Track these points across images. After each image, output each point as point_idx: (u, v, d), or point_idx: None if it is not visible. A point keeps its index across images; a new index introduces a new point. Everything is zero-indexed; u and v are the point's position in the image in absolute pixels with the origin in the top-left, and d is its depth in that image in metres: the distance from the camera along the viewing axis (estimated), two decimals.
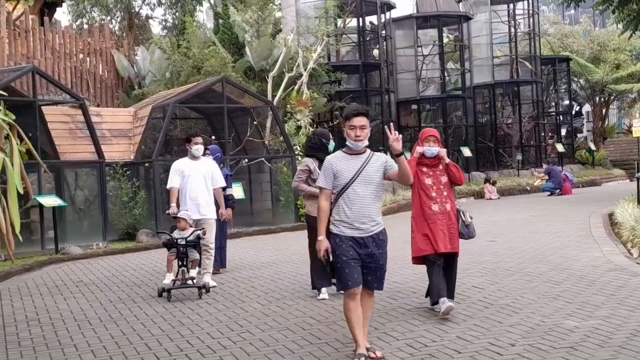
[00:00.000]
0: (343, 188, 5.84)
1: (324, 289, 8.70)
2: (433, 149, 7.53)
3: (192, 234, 9.18)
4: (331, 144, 8.79)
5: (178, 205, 9.80)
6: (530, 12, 32.54)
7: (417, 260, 7.68)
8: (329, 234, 5.89)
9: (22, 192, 3.94)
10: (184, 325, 7.63)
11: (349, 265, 5.76)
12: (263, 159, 18.40)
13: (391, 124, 6.13)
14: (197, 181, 9.84)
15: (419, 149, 7.58)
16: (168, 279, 9.16)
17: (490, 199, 24.85)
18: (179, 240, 9.11)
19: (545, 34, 40.07)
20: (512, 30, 32.22)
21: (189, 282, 9.05)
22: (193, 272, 9.18)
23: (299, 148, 19.52)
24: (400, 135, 5.90)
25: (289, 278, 10.32)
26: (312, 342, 6.72)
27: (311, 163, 8.73)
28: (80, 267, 12.63)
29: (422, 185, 7.52)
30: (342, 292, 6.52)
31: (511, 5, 32.21)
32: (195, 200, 9.80)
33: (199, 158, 10.02)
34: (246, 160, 18.14)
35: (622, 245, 11.81)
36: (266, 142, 18.72)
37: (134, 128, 17.24)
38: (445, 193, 7.51)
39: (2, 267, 12.02)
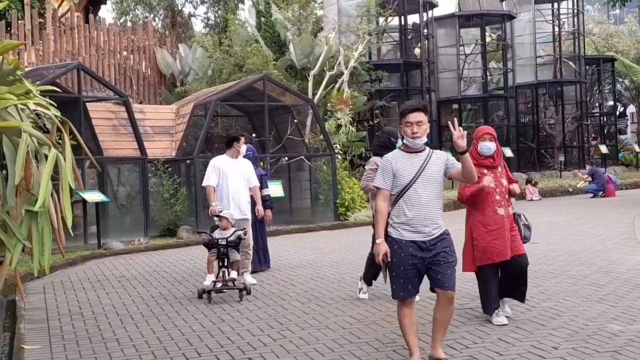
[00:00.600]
0: (404, 189, 5.53)
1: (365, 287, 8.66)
2: (489, 145, 7.06)
3: (233, 234, 8.97)
4: (399, 143, 8.48)
5: None
6: (575, 11, 32.13)
7: (474, 267, 7.16)
8: (387, 238, 5.59)
9: (74, 187, 3.99)
10: (224, 322, 7.66)
11: (405, 276, 5.50)
12: (303, 157, 18.42)
13: (455, 119, 5.97)
14: (238, 180, 9.72)
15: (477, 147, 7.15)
16: (208, 280, 8.92)
17: (532, 200, 24.57)
18: (219, 241, 8.90)
19: (589, 34, 39.51)
20: (556, 29, 31.84)
21: (230, 283, 8.85)
22: (234, 274, 8.97)
23: (338, 147, 19.52)
24: (465, 132, 5.66)
25: (328, 277, 10.32)
26: (352, 341, 6.71)
27: (380, 162, 8.56)
28: (122, 262, 12.77)
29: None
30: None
31: (555, 4, 31.85)
32: (236, 200, 9.66)
33: (237, 158, 9.94)
34: (286, 158, 18.17)
35: None
36: (306, 140, 18.74)
37: (175, 125, 17.38)
38: (506, 196, 7.12)
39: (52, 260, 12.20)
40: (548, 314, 7.38)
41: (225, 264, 8.92)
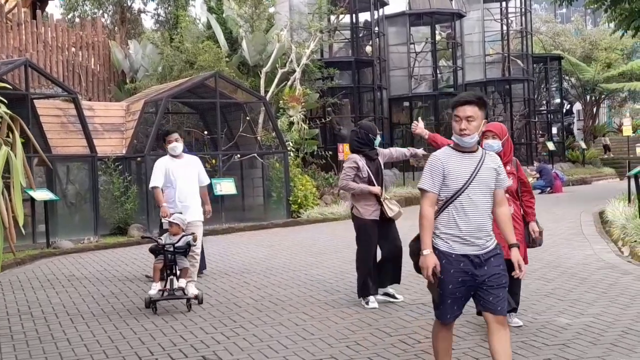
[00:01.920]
0: (455, 194, 4.73)
1: (372, 298, 7.91)
2: (492, 143, 6.49)
3: (180, 239, 8.21)
4: (377, 139, 8.13)
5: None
6: (523, 10, 32.63)
7: None
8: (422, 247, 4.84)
9: (25, 185, 3.94)
10: (177, 320, 7.63)
11: (453, 296, 4.74)
12: (255, 154, 18.39)
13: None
14: (185, 181, 8.93)
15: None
16: (155, 289, 8.10)
17: None
18: (166, 247, 8.15)
19: (537, 33, 40.17)
20: (505, 28, 32.30)
21: (178, 292, 8.14)
22: (182, 282, 8.21)
23: (291, 144, 19.53)
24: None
25: (281, 274, 10.33)
26: (306, 337, 6.73)
27: (359, 159, 8.00)
28: (71, 261, 12.60)
29: None
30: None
31: (504, 4, 32.29)
32: (184, 202, 8.87)
33: (182, 156, 9.11)
34: (238, 155, 18.12)
35: (613, 244, 11.88)
36: (258, 137, 18.71)
37: (126, 122, 17.20)
38: (507, 195, 6.30)
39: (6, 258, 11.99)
40: (529, 313, 7.44)
41: (174, 271, 8.21)
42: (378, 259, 8.16)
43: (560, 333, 6.44)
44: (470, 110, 4.76)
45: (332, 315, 7.58)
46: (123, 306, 8.52)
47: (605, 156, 37.47)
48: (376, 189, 7.90)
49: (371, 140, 8.05)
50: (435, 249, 4.75)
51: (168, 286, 8.16)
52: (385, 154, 8.28)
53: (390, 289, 8.13)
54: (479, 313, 5.04)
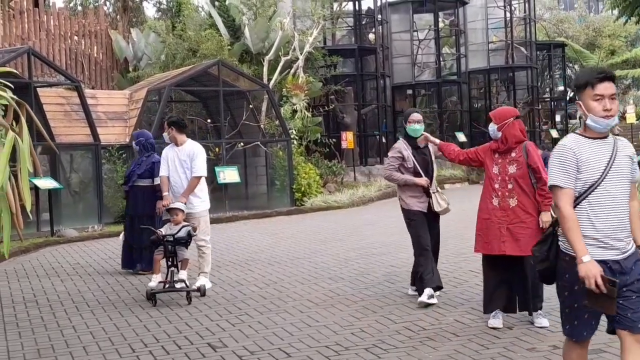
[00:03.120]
0: (590, 187, 4.02)
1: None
2: (490, 128, 6.56)
3: (181, 229, 7.96)
4: (411, 127, 7.46)
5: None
6: None
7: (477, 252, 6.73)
8: (554, 254, 4.19)
9: (32, 171, 3.94)
10: (182, 308, 7.65)
11: (591, 309, 4.00)
12: (259, 142, 18.38)
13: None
14: (176, 170, 8.58)
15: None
16: (155, 282, 7.97)
17: None
18: (166, 238, 7.90)
19: (540, 20, 40.02)
20: (508, 15, 32.17)
21: (179, 284, 7.91)
22: (183, 273, 8.01)
23: (294, 132, 19.51)
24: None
25: (285, 262, 10.35)
26: (310, 324, 6.75)
27: (404, 149, 7.48)
28: (76, 249, 12.63)
29: (489, 173, 6.49)
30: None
31: None
32: (175, 192, 8.57)
33: (183, 144, 8.64)
34: (242, 144, 18.11)
35: None
36: (262, 125, 18.70)
37: (129, 111, 17.19)
38: (510, 186, 6.32)
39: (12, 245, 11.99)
40: None
41: (174, 262, 7.96)
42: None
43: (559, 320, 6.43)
44: (612, 87, 4.06)
45: (337, 302, 7.59)
46: (128, 294, 8.54)
47: None
48: (422, 180, 7.36)
49: (410, 129, 7.46)
50: (566, 255, 4.06)
51: (169, 278, 7.88)
52: (434, 156, 7.67)
53: (427, 289, 7.31)
54: (611, 331, 4.08)
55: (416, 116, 7.47)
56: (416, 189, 7.40)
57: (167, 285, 7.90)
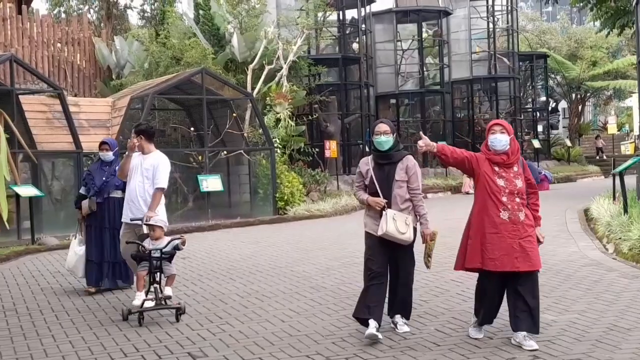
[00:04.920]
0: None
1: (371, 323, 6.33)
2: (500, 138, 6.13)
3: (169, 243, 7.61)
4: (377, 140, 6.55)
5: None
6: (509, 8, 32.71)
7: (461, 266, 6.35)
8: None
9: (9, 179, 3.91)
10: (163, 317, 7.60)
11: None
12: (242, 151, 18.37)
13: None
14: (136, 177, 8.17)
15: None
16: (139, 300, 7.48)
17: (468, 193, 24.96)
18: (152, 252, 7.51)
19: (523, 31, 40.30)
20: (491, 26, 32.38)
21: (165, 302, 7.52)
22: (169, 290, 7.61)
23: (278, 141, 19.51)
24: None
25: (267, 271, 10.32)
26: (292, 334, 6.73)
27: (366, 164, 6.67)
28: (57, 257, 12.53)
29: (492, 186, 6.09)
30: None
31: (490, 1, 32.35)
32: (129, 203, 8.19)
33: (147, 152, 8.21)
34: (225, 152, 18.09)
35: (598, 241, 11.94)
36: (245, 134, 18.69)
37: (112, 118, 17.14)
38: (518, 200, 6.08)
39: None
40: None
41: (158, 279, 7.56)
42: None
43: (546, 329, 6.46)
44: None
45: (318, 311, 7.58)
46: (108, 302, 8.48)
47: (597, 158, 37.52)
48: (376, 200, 6.47)
49: (376, 142, 6.58)
50: None
51: (153, 295, 7.50)
52: (410, 173, 6.54)
53: (397, 318, 6.71)
54: None
55: (382, 127, 6.55)
56: (373, 208, 6.53)
57: (152, 303, 7.46)
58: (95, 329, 7.22)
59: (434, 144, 6.35)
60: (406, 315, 6.72)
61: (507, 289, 6.19)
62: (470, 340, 6.23)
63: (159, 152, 8.42)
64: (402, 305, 6.67)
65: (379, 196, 6.47)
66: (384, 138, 6.51)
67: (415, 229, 6.55)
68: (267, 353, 6.14)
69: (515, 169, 6.17)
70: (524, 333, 5.99)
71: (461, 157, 6.26)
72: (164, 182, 8.14)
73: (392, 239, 6.36)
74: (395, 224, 6.34)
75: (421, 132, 6.89)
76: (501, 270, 6.03)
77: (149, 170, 8.11)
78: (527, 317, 6.01)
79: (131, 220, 8.02)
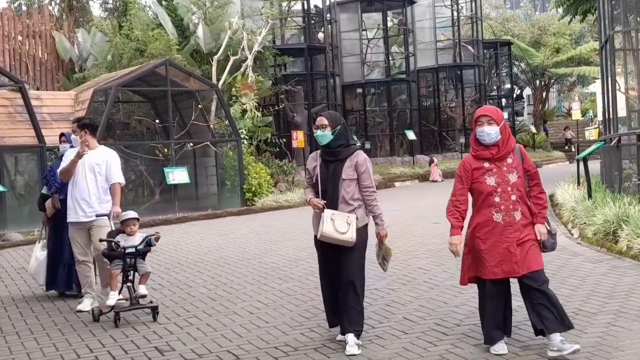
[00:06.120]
0: None
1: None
2: (488, 130, 5.45)
3: (143, 241, 7.31)
4: (316, 134, 5.98)
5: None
6: None
7: (465, 280, 5.76)
8: None
9: None
10: (129, 312, 7.51)
11: None
12: (208, 142, 18.26)
13: None
14: (83, 174, 7.75)
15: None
16: (113, 299, 7.14)
17: (435, 180, 25.09)
18: (127, 250, 7.21)
19: (487, 18, 40.55)
20: (455, 14, 32.51)
21: (141, 301, 7.20)
22: (143, 289, 7.32)
23: (244, 132, 19.42)
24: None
25: (235, 263, 10.28)
26: (260, 325, 6.71)
27: (314, 159, 6.07)
28: (21, 253, 12.36)
29: (482, 186, 5.48)
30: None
31: None
32: (81, 199, 7.75)
33: (92, 148, 7.80)
34: (191, 144, 17.97)
35: (563, 226, 12.06)
36: (211, 126, 18.57)
37: (75, 112, 16.91)
38: (514, 197, 5.43)
39: None
40: (451, 292, 7.56)
41: (132, 277, 7.25)
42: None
43: (512, 315, 6.50)
44: None
45: (287, 302, 7.56)
46: (74, 298, 8.37)
47: (566, 148, 37.81)
48: (315, 201, 5.88)
49: (316, 136, 6.01)
50: None
51: (127, 295, 7.17)
52: (360, 170, 5.86)
53: (347, 337, 5.84)
54: None
55: (320, 120, 5.92)
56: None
57: (126, 303, 7.15)
58: (61, 325, 7.14)
59: (459, 239, 5.61)
60: (355, 328, 5.84)
61: (523, 297, 5.55)
62: (438, 328, 6.26)
63: (104, 146, 8.13)
64: (349, 317, 5.83)
65: (322, 195, 5.88)
66: (320, 132, 5.88)
67: (365, 230, 5.90)
68: (235, 345, 6.11)
69: (509, 160, 5.49)
70: (560, 337, 5.30)
71: (465, 198, 5.60)
72: (121, 177, 7.90)
73: (332, 241, 5.73)
74: (333, 224, 5.70)
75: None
76: (502, 277, 5.46)
77: (101, 165, 7.76)
78: (552, 315, 5.35)
79: (97, 216, 7.67)
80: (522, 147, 5.69)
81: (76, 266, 7.93)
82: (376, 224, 5.91)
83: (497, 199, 5.43)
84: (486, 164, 5.49)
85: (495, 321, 5.55)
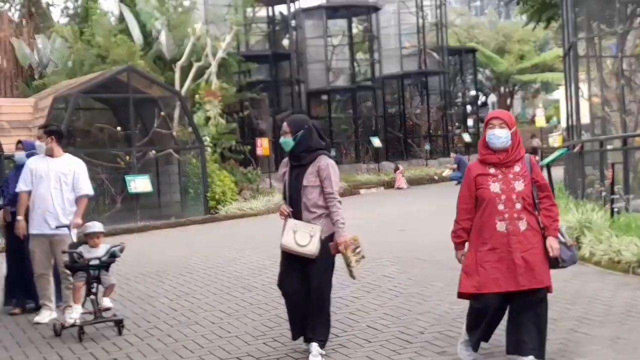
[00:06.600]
0: None
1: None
2: (499, 133, 5.18)
3: (107, 252, 7.03)
4: (281, 140, 5.90)
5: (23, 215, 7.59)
6: (438, 3, 33.06)
7: (465, 295, 5.42)
8: None
9: None
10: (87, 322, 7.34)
11: None
12: (171, 150, 18.06)
13: None
14: (48, 184, 7.43)
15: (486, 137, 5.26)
16: (77, 313, 6.88)
17: (400, 188, 25.10)
18: (91, 261, 6.93)
19: (452, 25, 40.82)
20: (420, 21, 32.67)
21: (105, 314, 6.99)
22: (108, 302, 7.06)
23: (208, 139, 19.25)
24: None
25: (197, 272, 10.12)
26: (222, 335, 6.59)
27: (284, 165, 5.97)
28: None
29: (485, 193, 5.20)
30: None
31: None
32: (45, 210, 7.43)
33: (57, 156, 7.57)
34: (153, 152, 17.76)
35: None
36: (174, 133, 18.38)
37: (34, 119, 16.62)
38: (518, 206, 5.14)
39: None
40: (415, 299, 7.51)
41: (96, 290, 6.96)
42: None
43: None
44: None
45: (249, 312, 7.44)
46: (33, 308, 8.16)
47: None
48: (282, 208, 5.83)
49: (281, 142, 5.91)
50: None
51: (91, 308, 6.92)
52: (322, 176, 5.70)
53: (311, 346, 5.75)
54: None
55: (283, 126, 5.84)
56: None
57: (91, 316, 6.90)
58: (17, 337, 6.95)
59: (462, 250, 5.39)
60: (320, 339, 5.74)
61: (510, 308, 5.30)
62: (402, 335, 6.19)
63: (70, 155, 7.80)
64: (313, 326, 5.74)
65: (289, 202, 5.79)
66: (282, 139, 5.80)
67: (329, 240, 5.69)
68: (197, 356, 5.99)
69: (517, 168, 5.21)
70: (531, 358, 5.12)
71: (471, 205, 5.29)
72: (89, 188, 7.63)
73: (293, 252, 5.62)
74: (294, 236, 5.58)
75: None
76: (505, 290, 5.13)
77: (67, 175, 7.45)
78: (533, 340, 5.15)
79: (56, 227, 7.34)
80: (532, 157, 5.37)
81: (35, 279, 7.66)
82: (335, 231, 5.68)
83: (500, 207, 5.14)
84: (492, 170, 5.22)
85: (484, 333, 5.38)
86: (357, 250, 5.72)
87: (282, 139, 5.81)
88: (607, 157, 12.83)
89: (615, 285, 7.75)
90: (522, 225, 5.13)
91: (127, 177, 16.52)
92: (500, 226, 5.12)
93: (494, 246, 5.14)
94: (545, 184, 5.34)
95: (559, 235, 5.25)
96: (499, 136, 5.15)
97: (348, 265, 5.75)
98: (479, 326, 5.31)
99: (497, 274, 5.11)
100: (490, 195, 5.15)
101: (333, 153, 26.78)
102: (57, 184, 7.42)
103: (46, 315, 7.50)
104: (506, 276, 5.10)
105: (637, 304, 6.87)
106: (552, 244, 5.17)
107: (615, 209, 10.54)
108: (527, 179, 5.19)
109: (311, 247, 5.55)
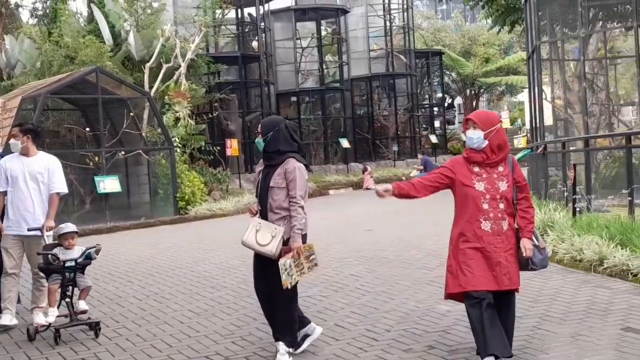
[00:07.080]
0: None
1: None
2: (471, 134, 5.26)
3: (83, 254, 6.90)
4: (255, 140, 6.26)
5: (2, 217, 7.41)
6: (405, 6, 33.32)
7: (453, 295, 5.48)
8: None
9: None
10: (55, 322, 7.36)
11: None
12: (140, 151, 18.04)
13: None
14: (24, 184, 7.32)
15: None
16: (52, 316, 6.77)
17: (368, 188, 25.22)
18: (66, 263, 6.80)
19: (419, 28, 41.16)
20: (387, 24, 32.90)
21: (81, 316, 6.87)
22: (83, 304, 6.94)
23: (177, 140, 19.25)
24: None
25: (167, 272, 10.17)
26: (191, 335, 6.66)
27: (260, 164, 6.07)
28: None
29: (470, 191, 5.25)
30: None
31: (386, 0, 32.88)
32: (24, 210, 7.30)
33: (32, 155, 7.45)
34: (122, 152, 17.73)
35: None
36: (143, 134, 18.35)
37: (2, 120, 16.50)
38: (502, 206, 5.21)
39: None
40: (382, 297, 7.64)
41: (71, 293, 6.88)
42: None
43: (441, 320, 6.62)
44: None
45: (218, 311, 7.52)
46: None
47: None
48: (250, 206, 6.05)
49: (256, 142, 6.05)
50: None
51: (66, 311, 6.79)
52: (288, 178, 5.73)
53: (278, 345, 5.74)
54: None
55: (259, 127, 5.99)
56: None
57: (69, 319, 6.74)
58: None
59: (389, 187, 5.74)
60: (287, 339, 5.76)
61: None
62: (368, 333, 6.31)
63: (44, 152, 7.72)
64: (279, 326, 5.78)
65: (259, 201, 5.88)
66: (257, 139, 5.95)
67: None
68: (165, 355, 6.06)
69: (501, 168, 5.27)
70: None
71: (433, 183, 5.43)
72: (63, 186, 7.48)
73: (253, 250, 5.72)
74: (256, 234, 5.63)
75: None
76: (489, 289, 5.14)
77: (43, 174, 7.32)
78: (504, 342, 5.15)
79: (28, 230, 7.21)
80: (514, 158, 5.45)
81: (2, 278, 7.49)
82: (290, 235, 5.66)
83: (485, 206, 5.18)
84: (476, 168, 5.27)
85: (499, 337, 5.15)
86: (311, 258, 5.69)
87: (256, 139, 5.97)
88: (570, 158, 13.12)
89: (577, 283, 7.94)
90: (505, 225, 5.21)
91: (96, 178, 16.49)
92: (485, 225, 5.18)
93: (478, 245, 5.18)
94: (526, 185, 5.38)
95: (533, 238, 5.29)
96: (470, 137, 5.24)
97: (286, 270, 5.58)
98: (486, 333, 5.11)
99: (482, 272, 5.15)
100: (475, 193, 5.20)
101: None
102: (34, 184, 7.32)
103: (7, 319, 7.27)
104: (490, 275, 5.16)
105: (598, 301, 7.07)
106: (526, 244, 5.23)
107: (578, 209, 10.78)
108: (509, 180, 5.26)
109: (271, 248, 5.59)
